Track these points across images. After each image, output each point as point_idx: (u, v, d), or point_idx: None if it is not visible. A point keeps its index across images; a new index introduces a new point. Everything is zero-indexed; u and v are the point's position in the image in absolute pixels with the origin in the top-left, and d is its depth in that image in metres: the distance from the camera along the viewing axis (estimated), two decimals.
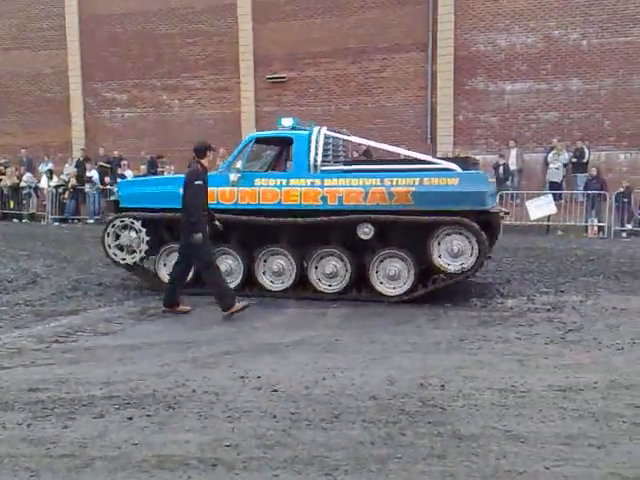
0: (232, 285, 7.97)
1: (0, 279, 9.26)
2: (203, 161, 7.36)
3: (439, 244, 7.69)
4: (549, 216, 15.52)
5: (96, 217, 18.70)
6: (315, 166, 8.01)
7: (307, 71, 19.49)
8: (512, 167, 17.13)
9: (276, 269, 8.17)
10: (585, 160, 16.61)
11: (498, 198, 15.74)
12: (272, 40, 19.60)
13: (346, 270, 7.95)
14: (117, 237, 8.63)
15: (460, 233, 7.61)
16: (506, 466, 3.31)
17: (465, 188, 7.53)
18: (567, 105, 17.57)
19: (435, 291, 7.82)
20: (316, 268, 8.08)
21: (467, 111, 18.31)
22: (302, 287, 8.17)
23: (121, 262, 8.66)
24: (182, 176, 7.92)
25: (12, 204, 19.77)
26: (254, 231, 8.19)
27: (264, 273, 8.26)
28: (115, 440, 3.65)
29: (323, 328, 6.57)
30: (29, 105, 22.00)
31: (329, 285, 8.04)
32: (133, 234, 8.53)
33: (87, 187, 18.87)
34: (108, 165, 19.61)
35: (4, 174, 20.12)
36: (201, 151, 7.39)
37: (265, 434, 3.73)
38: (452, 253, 7.63)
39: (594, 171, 16.02)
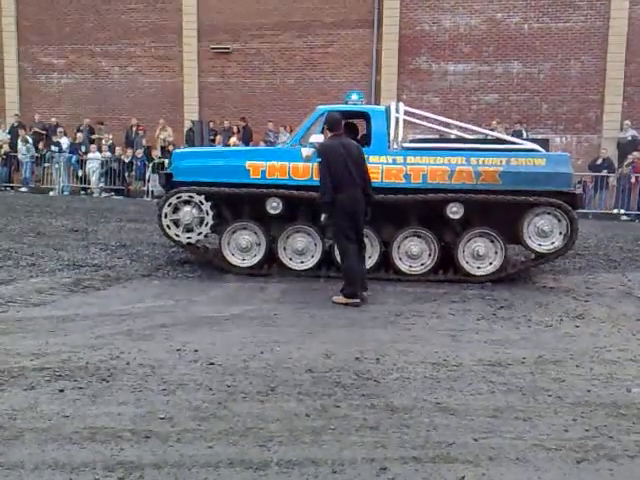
0: (310, 264, 7.86)
1: None
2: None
3: (529, 224, 7.68)
4: None
5: (30, 185, 18.14)
6: (396, 143, 7.76)
7: (252, 43, 19.26)
8: None
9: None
10: None
11: None
12: (217, 9, 19.26)
13: (430, 251, 7.77)
14: (174, 213, 7.95)
15: (549, 213, 7.65)
16: (436, 437, 3.39)
17: (552, 169, 7.58)
18: (507, 88, 17.92)
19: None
20: (398, 248, 7.80)
21: (410, 90, 18.45)
22: (384, 268, 7.88)
23: (182, 241, 7.99)
24: (247, 148, 7.34)
25: None
26: None
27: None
28: (46, 412, 3.58)
29: (262, 302, 6.57)
30: None
31: (410, 266, 7.82)
32: (195, 211, 7.91)
33: (20, 154, 18.25)
34: (43, 132, 19.00)
35: None
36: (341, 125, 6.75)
37: (200, 406, 3.72)
38: (542, 233, 7.66)
39: None
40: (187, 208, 7.94)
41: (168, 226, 7.98)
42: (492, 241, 7.79)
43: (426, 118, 9.14)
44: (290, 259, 7.96)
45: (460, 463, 3.13)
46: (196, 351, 4.75)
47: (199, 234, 7.97)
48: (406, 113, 8.14)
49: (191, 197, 7.91)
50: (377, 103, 18.48)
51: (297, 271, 7.91)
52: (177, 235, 7.99)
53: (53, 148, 18.10)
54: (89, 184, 18.00)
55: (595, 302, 6.90)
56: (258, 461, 3.09)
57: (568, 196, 7.74)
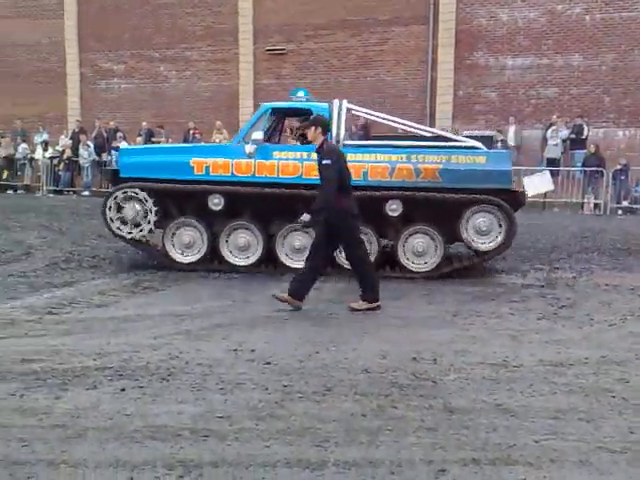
0: (250, 261, 7.98)
1: None
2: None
3: (468, 222, 7.70)
4: (546, 192, 15.48)
5: (91, 189, 18.62)
6: (338, 140, 7.78)
7: (306, 43, 19.32)
8: (510, 143, 17.06)
9: (297, 246, 7.91)
10: (584, 137, 16.55)
11: None
12: (272, 11, 19.39)
13: (371, 247, 7.69)
14: (119, 209, 8.09)
15: (488, 211, 7.67)
16: (496, 439, 3.33)
17: (492, 166, 7.61)
18: (567, 81, 17.47)
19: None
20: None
21: (467, 86, 18.20)
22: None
23: (126, 236, 8.15)
24: (192, 145, 7.30)
25: (7, 175, 19.69)
26: (273, 205, 7.87)
27: (284, 249, 7.99)
28: (108, 411, 3.65)
29: (318, 302, 6.56)
30: (26, 75, 21.76)
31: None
32: (138, 206, 8.02)
33: (82, 159, 18.75)
34: (105, 133, 19.47)
35: None
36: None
37: (257, 406, 3.74)
38: (480, 231, 7.68)
39: (592, 148, 15.96)
40: (131, 204, 8.05)
41: (112, 220, 8.12)
42: (432, 238, 7.79)
43: (370, 115, 9.00)
44: (236, 257, 8.07)
45: (521, 465, 3.06)
46: (253, 351, 4.79)
47: (138, 232, 8.10)
48: (349, 110, 8.15)
49: (135, 193, 8.04)
50: (432, 100, 18.31)
51: (239, 267, 8.02)
52: (119, 229, 8.14)
53: (113, 152, 18.54)
54: None
55: None
56: (315, 461, 3.08)
57: (512, 194, 7.74)
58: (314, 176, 7.29)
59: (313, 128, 6.27)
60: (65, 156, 18.91)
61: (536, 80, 17.66)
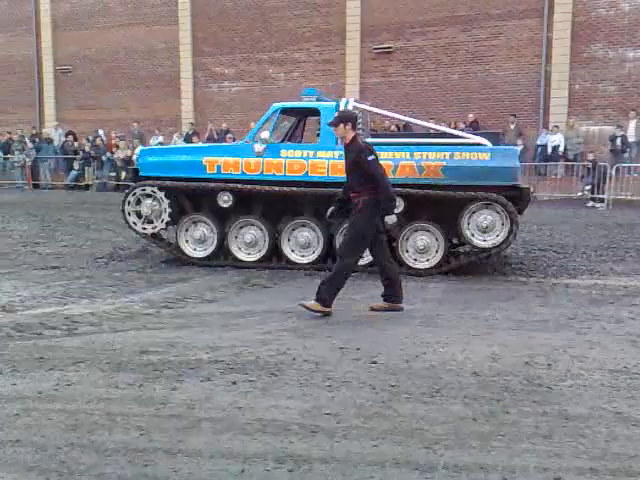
0: (257, 257, 8.25)
1: (114, 247, 9.78)
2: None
3: (469, 219, 7.63)
4: None
5: None
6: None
7: (414, 40, 19.16)
8: (631, 139, 16.23)
9: (302, 241, 8.13)
10: None
11: (614, 171, 15.01)
12: (379, 10, 19.35)
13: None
14: (138, 206, 8.51)
15: (491, 208, 7.56)
16: (616, 448, 3.16)
17: (496, 163, 7.51)
18: None
19: (467, 265, 7.88)
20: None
21: (584, 80, 17.45)
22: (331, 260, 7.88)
23: (141, 231, 8.58)
24: (205, 145, 7.53)
25: (125, 176, 20.69)
26: (279, 202, 8.17)
27: (290, 245, 8.22)
28: (220, 403, 3.75)
29: (423, 302, 6.49)
30: (142, 80, 22.86)
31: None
32: (154, 203, 8.41)
33: None
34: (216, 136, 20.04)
35: (118, 147, 21.09)
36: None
37: (364, 405, 3.73)
38: (482, 228, 7.59)
39: None
40: (147, 201, 8.41)
41: (129, 214, 8.51)
42: (435, 235, 7.75)
43: (376, 114, 9.00)
44: (248, 254, 8.30)
45: None
46: (358, 349, 4.78)
47: (153, 228, 8.45)
48: (355, 109, 8.01)
49: (146, 190, 8.36)
50: (546, 95, 17.67)
51: (247, 263, 8.23)
52: (144, 229, 8.49)
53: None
54: None
55: None
56: (424, 463, 3.03)
57: (518, 191, 7.56)
58: (319, 174, 7.79)
59: (342, 125, 5.97)
60: None
61: None
